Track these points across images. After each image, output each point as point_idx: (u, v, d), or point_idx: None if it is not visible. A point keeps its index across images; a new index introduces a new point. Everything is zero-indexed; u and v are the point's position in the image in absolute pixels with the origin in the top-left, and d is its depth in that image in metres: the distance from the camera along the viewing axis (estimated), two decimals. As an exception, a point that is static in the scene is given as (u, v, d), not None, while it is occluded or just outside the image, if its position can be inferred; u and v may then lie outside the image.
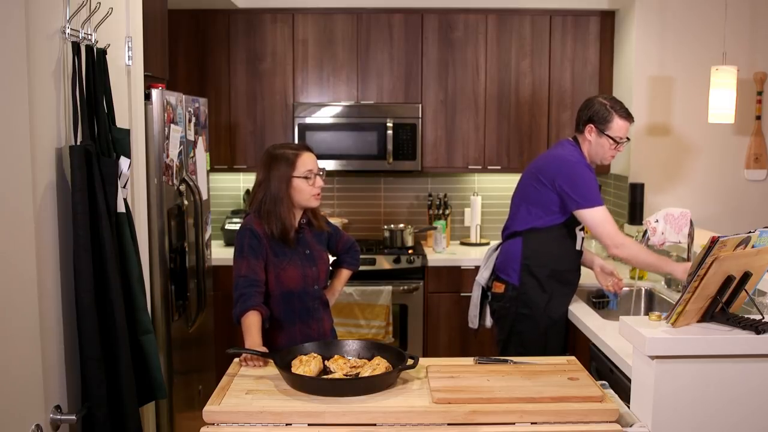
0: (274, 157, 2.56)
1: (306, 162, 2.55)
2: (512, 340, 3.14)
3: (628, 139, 3.12)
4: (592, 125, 3.07)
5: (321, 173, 2.59)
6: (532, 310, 3.09)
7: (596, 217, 3.00)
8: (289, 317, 2.58)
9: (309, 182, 2.54)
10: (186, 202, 3.19)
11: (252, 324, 2.36)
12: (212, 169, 4.18)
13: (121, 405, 2.19)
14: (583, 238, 3.18)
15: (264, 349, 2.26)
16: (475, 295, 3.32)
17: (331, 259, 2.87)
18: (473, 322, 3.34)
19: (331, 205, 4.93)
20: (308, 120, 4.48)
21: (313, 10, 4.52)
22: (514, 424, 1.86)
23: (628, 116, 3.07)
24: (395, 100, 4.56)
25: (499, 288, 3.18)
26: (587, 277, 3.60)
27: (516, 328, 3.13)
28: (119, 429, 2.19)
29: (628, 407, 2.05)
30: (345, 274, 2.86)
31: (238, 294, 2.43)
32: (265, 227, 2.53)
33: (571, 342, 3.16)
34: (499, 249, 3.26)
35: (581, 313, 3.06)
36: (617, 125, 3.05)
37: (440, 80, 4.56)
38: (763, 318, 1.95)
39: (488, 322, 3.31)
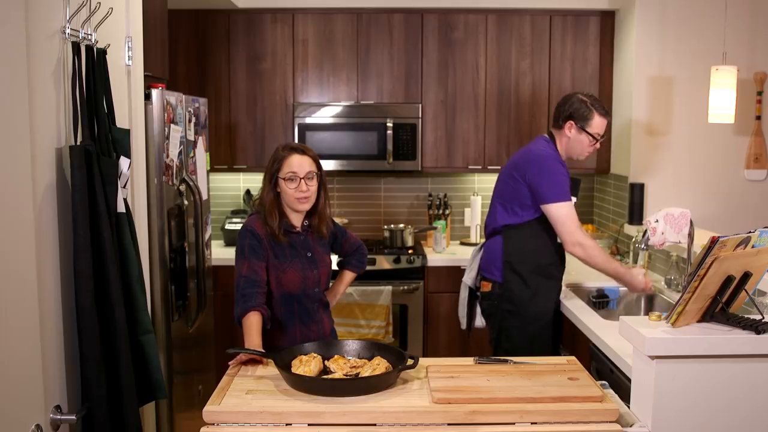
0: (272, 156, 2.59)
1: (291, 163, 2.53)
2: (501, 337, 3.15)
3: (603, 136, 3.16)
4: (572, 122, 3.09)
5: (309, 177, 2.54)
6: (517, 306, 3.10)
7: (561, 213, 2.99)
8: (289, 319, 2.58)
9: (292, 184, 2.52)
10: (186, 202, 3.19)
11: (252, 324, 2.35)
12: (212, 169, 4.18)
13: (121, 405, 2.18)
14: None
15: (263, 351, 2.25)
16: (463, 295, 3.34)
17: (336, 259, 2.86)
18: (462, 323, 3.36)
19: (331, 205, 4.91)
20: (308, 120, 4.48)
21: (313, 10, 4.52)
22: (514, 424, 1.86)
23: (606, 114, 3.13)
24: (395, 100, 4.56)
25: (486, 287, 3.20)
26: (588, 277, 3.59)
27: (503, 325, 3.13)
28: (119, 429, 2.19)
29: (628, 407, 2.05)
30: (349, 276, 2.85)
31: (240, 294, 2.43)
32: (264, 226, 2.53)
33: (571, 342, 3.16)
34: (483, 248, 3.27)
35: (581, 313, 3.06)
36: (597, 122, 3.09)
37: (440, 80, 4.56)
38: (763, 318, 1.95)
39: (479, 321, 3.31)
